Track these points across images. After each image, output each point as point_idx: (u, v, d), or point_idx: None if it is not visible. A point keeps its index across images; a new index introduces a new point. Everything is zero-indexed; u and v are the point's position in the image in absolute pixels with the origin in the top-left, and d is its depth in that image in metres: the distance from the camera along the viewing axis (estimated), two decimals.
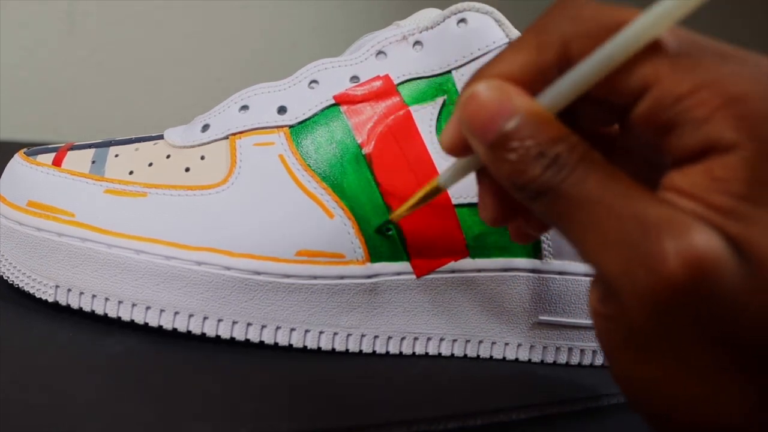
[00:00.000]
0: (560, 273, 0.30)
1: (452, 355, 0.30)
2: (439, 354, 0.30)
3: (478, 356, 0.30)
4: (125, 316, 0.27)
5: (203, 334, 0.27)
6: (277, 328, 0.28)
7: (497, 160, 0.18)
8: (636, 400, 0.19)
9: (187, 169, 0.28)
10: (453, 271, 0.29)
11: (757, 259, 0.16)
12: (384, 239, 0.28)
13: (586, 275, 0.30)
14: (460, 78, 0.29)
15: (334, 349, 0.28)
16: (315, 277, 0.27)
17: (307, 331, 0.28)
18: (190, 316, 0.27)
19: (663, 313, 0.17)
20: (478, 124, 0.18)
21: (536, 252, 0.29)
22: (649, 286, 0.16)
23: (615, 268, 0.17)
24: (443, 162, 0.28)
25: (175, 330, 0.27)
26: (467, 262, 0.29)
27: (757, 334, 0.16)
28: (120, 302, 0.27)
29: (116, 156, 0.29)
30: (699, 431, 0.18)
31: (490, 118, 0.18)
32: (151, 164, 0.29)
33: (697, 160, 0.17)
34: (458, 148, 0.20)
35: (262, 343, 0.28)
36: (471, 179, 0.28)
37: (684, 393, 0.18)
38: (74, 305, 0.27)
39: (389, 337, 0.29)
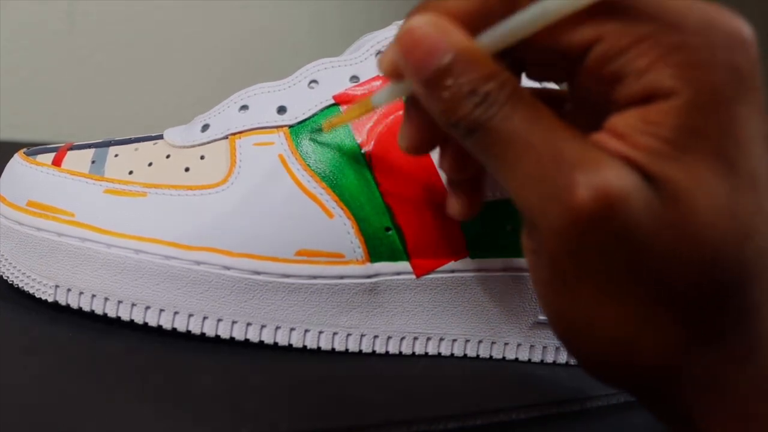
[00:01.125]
0: None
1: (452, 355, 0.30)
2: (439, 354, 0.30)
3: (478, 356, 0.30)
4: (125, 316, 0.27)
5: (203, 334, 0.27)
6: (277, 327, 0.28)
7: (431, 97, 0.18)
8: (568, 344, 0.19)
9: (187, 169, 0.28)
10: (453, 271, 0.29)
11: (672, 196, 0.16)
12: (384, 239, 0.28)
13: None
14: None
15: (333, 349, 0.28)
16: (315, 277, 0.27)
17: (306, 330, 0.28)
18: (190, 315, 0.27)
19: (575, 244, 0.17)
20: (414, 59, 0.18)
21: None
22: (560, 218, 0.17)
23: (533, 202, 0.17)
24: None
25: (174, 330, 0.27)
26: (467, 262, 0.29)
27: (666, 269, 0.17)
28: (120, 302, 0.27)
29: (116, 156, 0.29)
30: (631, 373, 0.18)
31: (426, 54, 0.18)
32: (150, 164, 0.29)
33: (637, 106, 0.17)
34: (396, 72, 0.20)
35: (261, 342, 0.28)
36: None
37: (611, 333, 0.18)
38: (74, 305, 0.27)
39: (389, 337, 0.29)
